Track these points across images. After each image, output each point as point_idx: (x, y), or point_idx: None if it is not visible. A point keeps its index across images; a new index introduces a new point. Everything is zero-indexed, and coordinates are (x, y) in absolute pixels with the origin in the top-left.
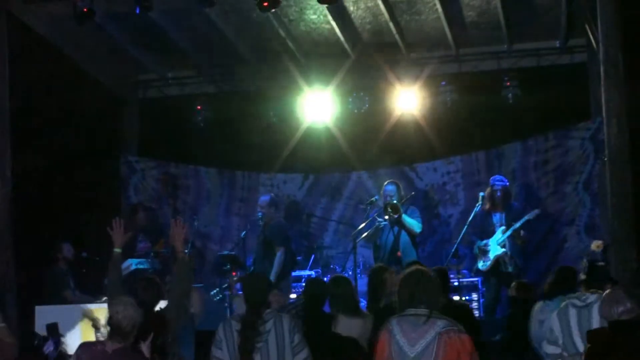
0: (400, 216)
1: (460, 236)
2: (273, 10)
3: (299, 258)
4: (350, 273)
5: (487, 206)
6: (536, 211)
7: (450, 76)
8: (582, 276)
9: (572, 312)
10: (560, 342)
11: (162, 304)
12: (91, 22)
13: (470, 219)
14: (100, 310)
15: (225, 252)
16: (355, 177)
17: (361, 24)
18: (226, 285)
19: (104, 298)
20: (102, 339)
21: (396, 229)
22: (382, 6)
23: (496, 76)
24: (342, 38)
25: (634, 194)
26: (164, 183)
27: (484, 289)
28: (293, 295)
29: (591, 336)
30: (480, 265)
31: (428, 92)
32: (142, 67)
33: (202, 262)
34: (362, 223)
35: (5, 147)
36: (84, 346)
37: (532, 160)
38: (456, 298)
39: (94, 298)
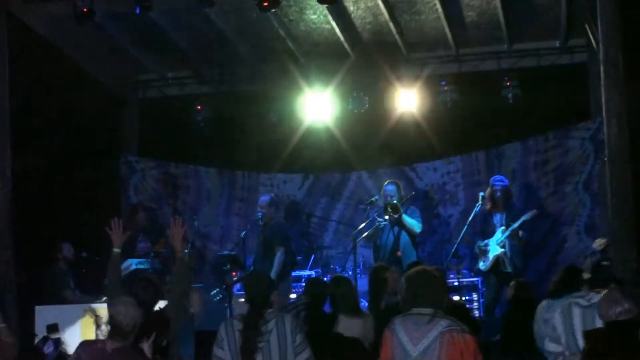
0: (400, 216)
1: (460, 236)
2: (273, 10)
3: (299, 258)
4: (350, 273)
5: (488, 206)
6: (533, 212)
7: (450, 76)
8: (586, 275)
9: (577, 312)
10: (563, 340)
11: (161, 304)
12: (91, 22)
13: (470, 219)
14: (101, 310)
15: (225, 252)
16: (355, 177)
17: (361, 24)
18: (225, 286)
19: (104, 298)
20: (102, 337)
21: (396, 229)
22: (382, 6)
23: (496, 76)
24: (342, 38)
25: (634, 194)
26: (164, 183)
27: (484, 288)
28: (293, 295)
29: (589, 336)
30: (481, 265)
31: (428, 92)
32: (142, 67)
33: (202, 262)
34: (362, 223)
35: (5, 147)
36: (84, 344)
37: (532, 160)
38: (456, 298)
39: (94, 298)
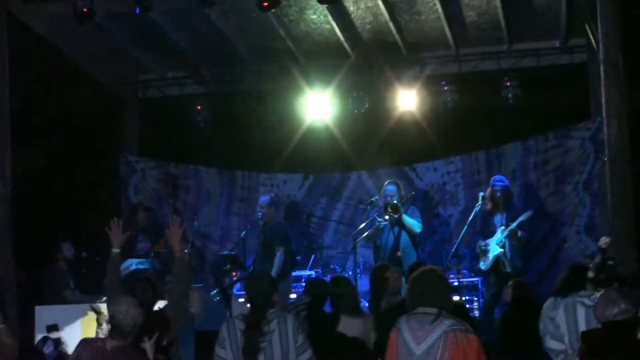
0: (400, 216)
1: (460, 236)
2: (273, 10)
3: (298, 258)
4: (350, 273)
5: (489, 206)
6: (529, 212)
7: (450, 76)
8: (590, 274)
9: (581, 311)
10: (566, 339)
11: (161, 304)
12: (91, 22)
13: (470, 219)
14: (103, 309)
15: (225, 252)
16: (355, 177)
17: (361, 24)
18: (221, 288)
19: (104, 298)
20: (102, 335)
21: (396, 229)
22: (382, 6)
23: (496, 76)
24: (342, 38)
25: (634, 194)
26: (164, 183)
27: (484, 288)
28: (293, 295)
29: (586, 337)
30: (482, 265)
31: (428, 92)
32: (142, 67)
33: (202, 262)
34: (362, 223)
35: (5, 147)
36: (84, 342)
37: (532, 160)
38: (456, 298)
39: (94, 298)
